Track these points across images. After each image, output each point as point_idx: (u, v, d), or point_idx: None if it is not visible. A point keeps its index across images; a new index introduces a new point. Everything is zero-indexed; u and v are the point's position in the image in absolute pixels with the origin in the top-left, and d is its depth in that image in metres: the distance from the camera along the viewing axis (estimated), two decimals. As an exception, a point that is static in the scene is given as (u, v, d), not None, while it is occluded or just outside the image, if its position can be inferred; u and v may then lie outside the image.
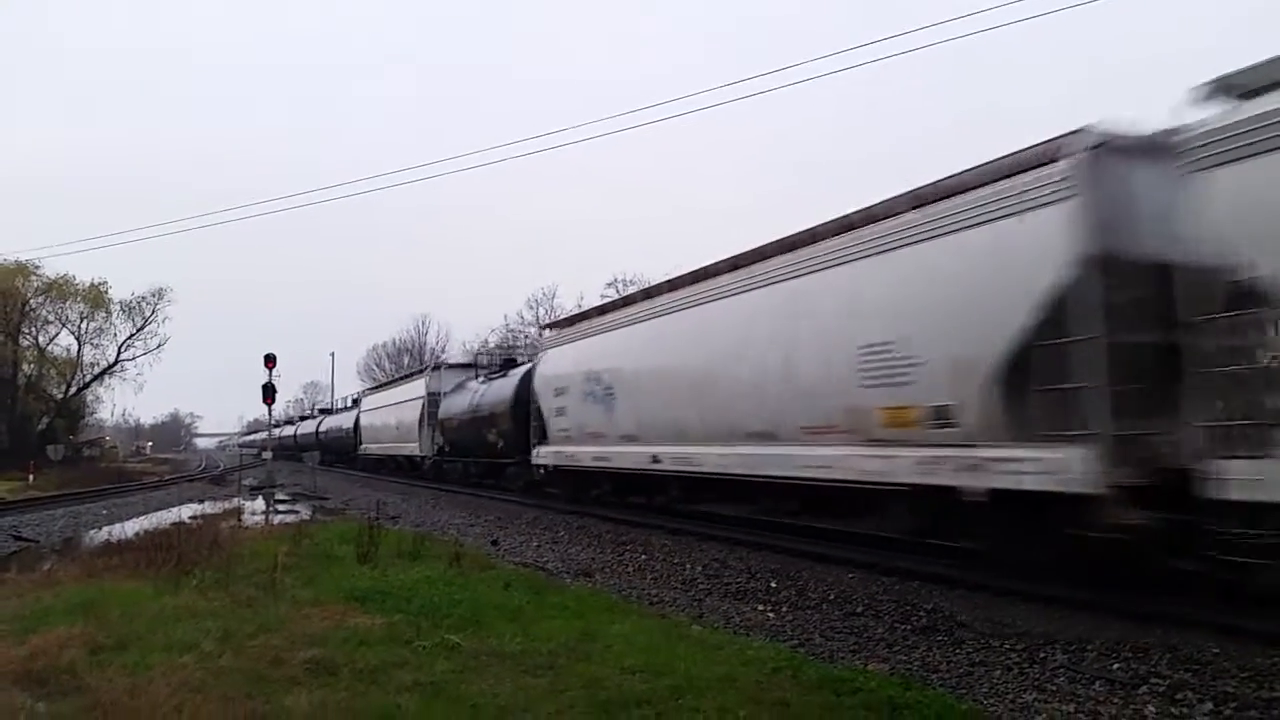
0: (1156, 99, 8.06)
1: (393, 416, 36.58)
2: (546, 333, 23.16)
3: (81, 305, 52.20)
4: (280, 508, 22.30)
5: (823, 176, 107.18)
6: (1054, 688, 5.78)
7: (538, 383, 19.91)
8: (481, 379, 27.11)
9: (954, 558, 9.94)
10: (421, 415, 31.52)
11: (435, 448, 30.25)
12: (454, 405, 28.10)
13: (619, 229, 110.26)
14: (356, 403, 51.86)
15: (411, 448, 33.25)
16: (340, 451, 49.00)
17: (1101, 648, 6.59)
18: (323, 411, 66.78)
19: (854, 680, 5.49)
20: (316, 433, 56.37)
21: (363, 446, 42.89)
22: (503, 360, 29.03)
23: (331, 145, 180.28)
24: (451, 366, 33.09)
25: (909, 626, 7.65)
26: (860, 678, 5.59)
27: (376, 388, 48.19)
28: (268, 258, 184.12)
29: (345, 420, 50.11)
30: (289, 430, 69.92)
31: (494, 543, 13.96)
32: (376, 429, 40.26)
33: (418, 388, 32.85)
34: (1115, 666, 6.17)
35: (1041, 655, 6.54)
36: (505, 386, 23.82)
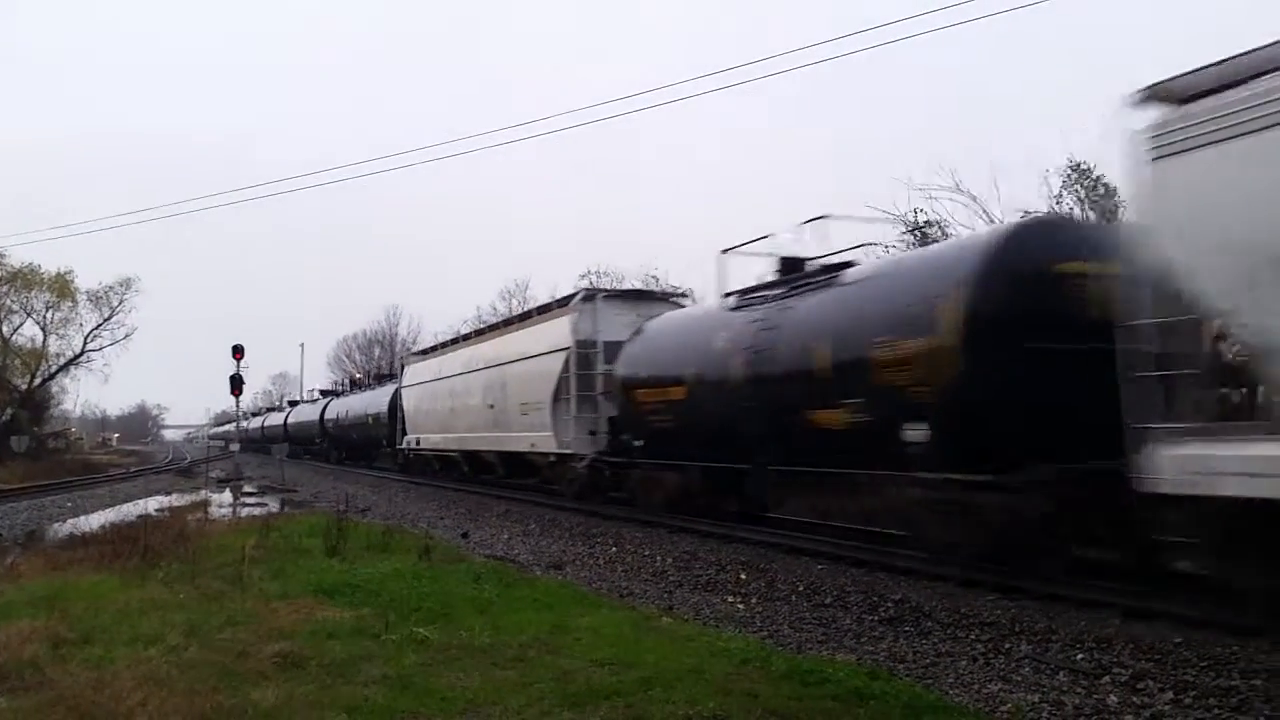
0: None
1: (481, 390, 22.15)
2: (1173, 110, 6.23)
3: (47, 295, 51.07)
4: (248, 500, 22.14)
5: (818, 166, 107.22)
6: (1019, 678, 5.87)
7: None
8: (750, 303, 12.76)
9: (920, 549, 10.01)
10: (561, 384, 17.90)
11: (600, 442, 17.00)
12: (659, 359, 14.72)
13: (589, 224, 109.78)
14: (383, 378, 40.62)
15: (539, 440, 18.95)
16: (358, 447, 38.40)
17: (1065, 638, 6.69)
18: (325, 393, 53.85)
19: (822, 671, 5.54)
20: (320, 421, 44.79)
21: (409, 438, 28.67)
22: (785, 262, 12.75)
23: (298, 138, 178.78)
24: (613, 296, 19.08)
25: (876, 617, 7.73)
26: (828, 668, 5.63)
27: (433, 349, 30.97)
28: (236, 249, 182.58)
29: (369, 402, 36.42)
30: (276, 419, 60.72)
31: (464, 535, 13.92)
32: (440, 414, 25.58)
33: (554, 333, 18.63)
34: (1079, 657, 6.27)
35: (1006, 646, 6.63)
36: (914, 295, 9.52)
